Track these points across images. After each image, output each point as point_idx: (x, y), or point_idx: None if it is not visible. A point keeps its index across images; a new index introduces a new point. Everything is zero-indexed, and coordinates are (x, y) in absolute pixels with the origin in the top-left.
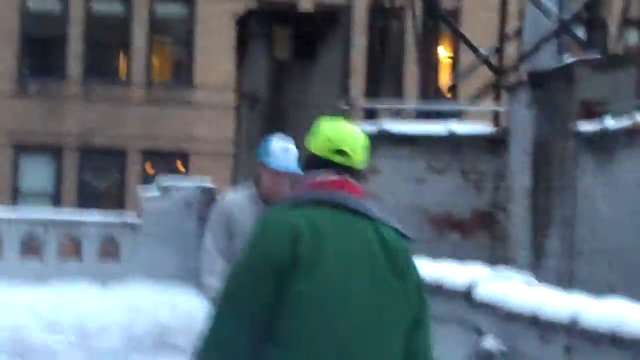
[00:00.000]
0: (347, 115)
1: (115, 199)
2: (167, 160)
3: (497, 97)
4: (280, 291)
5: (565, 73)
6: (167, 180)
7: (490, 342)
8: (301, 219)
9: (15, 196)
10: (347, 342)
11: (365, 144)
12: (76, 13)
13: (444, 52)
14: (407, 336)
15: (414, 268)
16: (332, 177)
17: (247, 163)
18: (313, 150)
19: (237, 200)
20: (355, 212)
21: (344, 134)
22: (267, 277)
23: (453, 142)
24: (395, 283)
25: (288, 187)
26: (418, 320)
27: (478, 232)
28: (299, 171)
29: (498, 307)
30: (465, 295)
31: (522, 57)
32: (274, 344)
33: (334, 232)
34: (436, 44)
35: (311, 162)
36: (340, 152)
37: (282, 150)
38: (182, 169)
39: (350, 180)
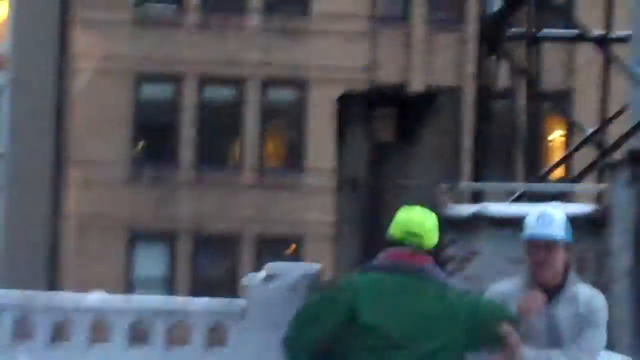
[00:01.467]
0: (450, 197)
1: (229, 286)
2: (280, 245)
3: (601, 177)
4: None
5: None
6: (273, 266)
7: None
8: (365, 279)
9: (131, 284)
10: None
11: (435, 227)
12: (189, 100)
13: (554, 134)
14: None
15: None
16: (405, 250)
17: (347, 246)
18: (392, 234)
19: (505, 291)
20: (418, 275)
21: (415, 218)
22: (337, 307)
23: None
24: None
25: (549, 258)
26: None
27: None
28: (557, 237)
29: None
30: None
31: (625, 135)
32: None
33: (391, 288)
34: (541, 125)
35: (390, 243)
36: (412, 234)
37: (537, 217)
38: (294, 253)
39: (421, 253)
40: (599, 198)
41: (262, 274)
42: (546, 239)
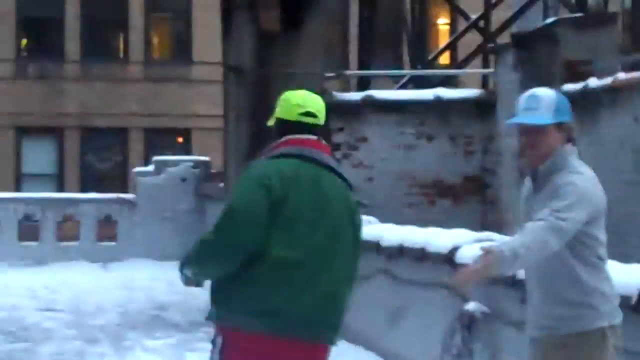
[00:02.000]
0: (337, 85)
1: (118, 179)
2: (167, 138)
3: (486, 62)
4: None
5: (547, 33)
6: (162, 158)
7: (473, 305)
8: (273, 169)
9: (19, 179)
10: (313, 251)
11: (325, 107)
12: None
13: (441, 20)
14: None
15: (356, 205)
16: (306, 136)
17: (236, 137)
18: (283, 117)
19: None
20: (318, 164)
21: (308, 98)
22: (262, 201)
23: (441, 107)
24: (344, 215)
25: (532, 143)
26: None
27: (469, 198)
28: (537, 122)
29: None
30: (448, 260)
31: (509, 20)
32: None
33: (302, 177)
34: (429, 11)
35: (283, 127)
36: (308, 114)
37: (522, 100)
38: (182, 145)
39: (321, 140)
40: (484, 83)
41: (151, 166)
42: (524, 124)
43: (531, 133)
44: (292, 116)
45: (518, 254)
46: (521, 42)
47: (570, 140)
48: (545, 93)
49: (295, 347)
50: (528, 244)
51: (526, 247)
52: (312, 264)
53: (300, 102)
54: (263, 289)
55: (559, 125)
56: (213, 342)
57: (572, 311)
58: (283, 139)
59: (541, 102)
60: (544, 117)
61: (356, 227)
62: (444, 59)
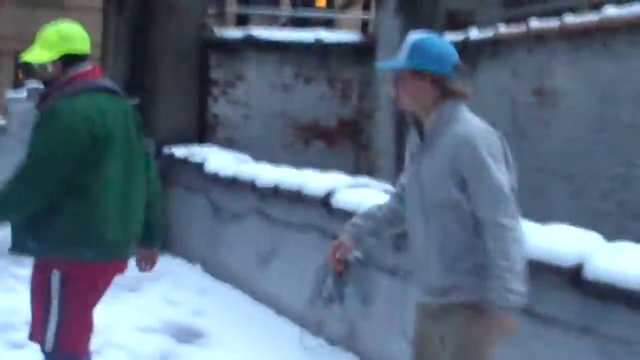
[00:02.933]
0: (216, 21)
1: None
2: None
3: (367, 6)
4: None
5: None
6: (33, 84)
7: None
8: (89, 105)
9: None
10: (126, 182)
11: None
12: None
13: None
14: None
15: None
16: (89, 67)
17: (113, 67)
18: (71, 51)
19: None
20: (110, 91)
21: (80, 30)
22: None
23: (320, 50)
24: (135, 132)
25: (397, 91)
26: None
27: (344, 141)
28: (395, 65)
29: (354, 214)
30: (324, 203)
31: None
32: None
33: (109, 108)
34: None
35: (72, 60)
36: (87, 44)
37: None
38: None
39: (97, 66)
40: (363, 27)
41: (23, 91)
42: (386, 69)
43: (393, 78)
44: (83, 49)
45: (511, 282)
46: None
47: (450, 92)
48: (410, 37)
49: (115, 267)
50: (509, 266)
51: (509, 269)
52: (127, 193)
53: (84, 34)
54: (92, 221)
55: (417, 73)
56: (46, 277)
57: (469, 279)
58: (72, 72)
59: (403, 47)
60: (398, 61)
61: (141, 141)
62: (321, 2)
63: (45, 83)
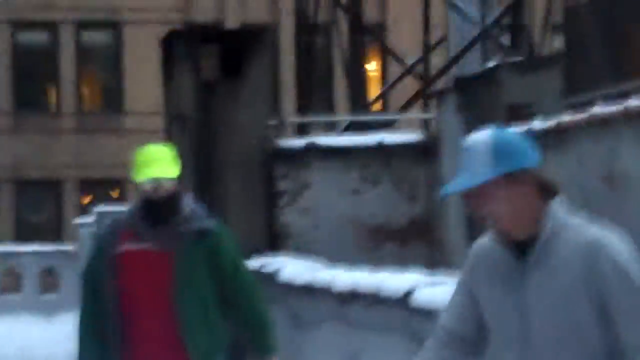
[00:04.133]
0: (278, 132)
1: (53, 232)
2: (102, 188)
3: (425, 106)
4: None
5: (489, 77)
6: (101, 208)
7: None
8: None
9: None
10: None
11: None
12: (2, 44)
13: (372, 66)
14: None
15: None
16: None
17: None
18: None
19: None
20: None
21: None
22: None
23: (383, 152)
24: None
25: (483, 208)
26: None
27: (415, 241)
28: (462, 185)
29: (436, 312)
30: (403, 303)
31: (448, 65)
32: None
33: None
34: (363, 57)
35: None
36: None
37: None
38: (116, 196)
39: None
40: (425, 126)
41: (91, 217)
42: (465, 187)
43: (474, 198)
44: None
45: None
46: (462, 85)
47: (546, 189)
48: (476, 140)
49: None
50: None
51: None
52: None
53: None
54: None
55: (513, 177)
56: None
57: None
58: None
59: (473, 155)
60: (478, 175)
61: None
62: (376, 106)
63: (151, 202)
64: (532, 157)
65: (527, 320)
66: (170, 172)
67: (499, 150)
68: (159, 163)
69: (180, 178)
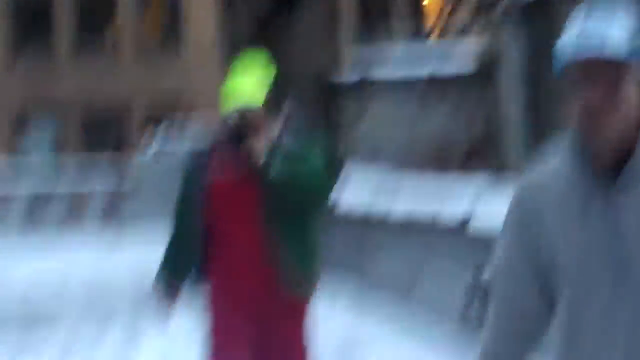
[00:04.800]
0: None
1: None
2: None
3: (484, 30)
4: None
5: (548, 1)
6: (161, 143)
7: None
8: None
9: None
10: None
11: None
12: None
13: None
14: None
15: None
16: None
17: None
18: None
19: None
20: None
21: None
22: None
23: (439, 81)
24: None
25: (609, 95)
26: None
27: (475, 164)
28: (617, 51)
29: (493, 239)
30: (461, 230)
31: None
32: None
33: None
34: None
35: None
36: None
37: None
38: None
39: None
40: (482, 54)
41: (151, 150)
42: (598, 55)
43: (602, 77)
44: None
45: None
46: (521, 10)
47: None
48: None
49: None
50: None
51: None
52: None
53: None
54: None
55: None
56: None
57: None
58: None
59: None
60: (607, 43)
61: None
62: (435, 34)
63: (237, 131)
64: None
65: (623, 259)
66: (256, 99)
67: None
68: (243, 92)
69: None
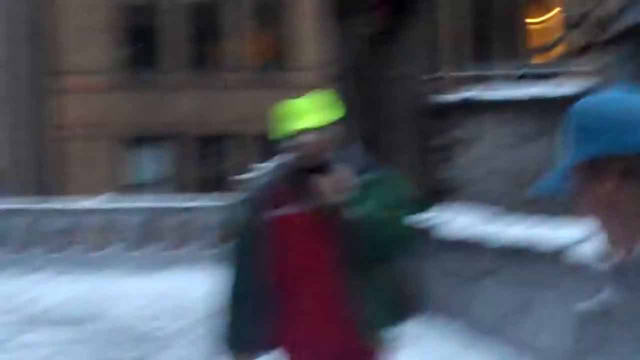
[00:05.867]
0: (442, 85)
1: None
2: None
3: (593, 55)
4: None
5: None
6: (264, 166)
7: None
8: None
9: (129, 189)
10: None
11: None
12: (169, 2)
13: (543, 14)
14: None
15: None
16: None
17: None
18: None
19: None
20: None
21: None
22: None
23: (543, 105)
24: None
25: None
26: None
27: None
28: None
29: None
30: (558, 258)
31: (619, 12)
32: None
33: None
34: (529, 8)
35: None
36: None
37: None
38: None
39: None
40: (596, 75)
41: (257, 172)
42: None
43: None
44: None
45: None
46: (634, 34)
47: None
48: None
49: None
50: None
51: None
52: None
53: None
54: None
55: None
56: None
57: None
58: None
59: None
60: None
61: None
62: (544, 56)
63: (300, 160)
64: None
65: None
66: (319, 122)
67: (584, 125)
68: (304, 115)
69: (337, 126)
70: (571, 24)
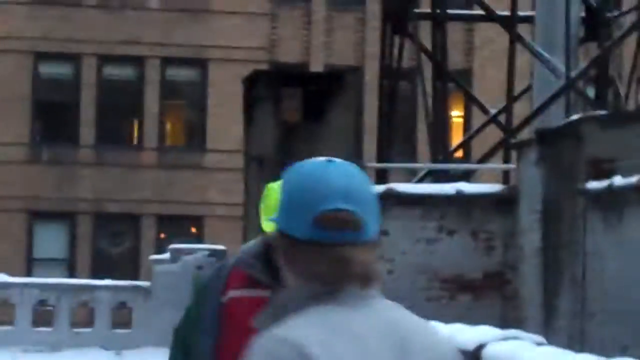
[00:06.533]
0: None
1: (130, 266)
2: (180, 225)
3: (507, 157)
4: None
5: (572, 130)
6: (178, 246)
7: None
8: None
9: (31, 265)
10: None
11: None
12: (88, 78)
13: (454, 112)
14: None
15: None
16: None
17: (255, 225)
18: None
19: None
20: None
21: None
22: None
23: (462, 202)
24: None
25: None
26: None
27: (489, 293)
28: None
29: None
30: (475, 357)
31: (531, 116)
32: None
33: None
34: (446, 104)
35: None
36: None
37: None
38: (195, 233)
39: None
40: (504, 178)
41: (167, 254)
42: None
43: None
44: None
45: None
46: (545, 138)
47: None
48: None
49: None
50: None
51: None
52: None
53: None
54: None
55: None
56: None
57: None
58: None
59: None
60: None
61: None
62: (458, 153)
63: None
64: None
65: None
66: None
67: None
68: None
69: None
70: (487, 121)
